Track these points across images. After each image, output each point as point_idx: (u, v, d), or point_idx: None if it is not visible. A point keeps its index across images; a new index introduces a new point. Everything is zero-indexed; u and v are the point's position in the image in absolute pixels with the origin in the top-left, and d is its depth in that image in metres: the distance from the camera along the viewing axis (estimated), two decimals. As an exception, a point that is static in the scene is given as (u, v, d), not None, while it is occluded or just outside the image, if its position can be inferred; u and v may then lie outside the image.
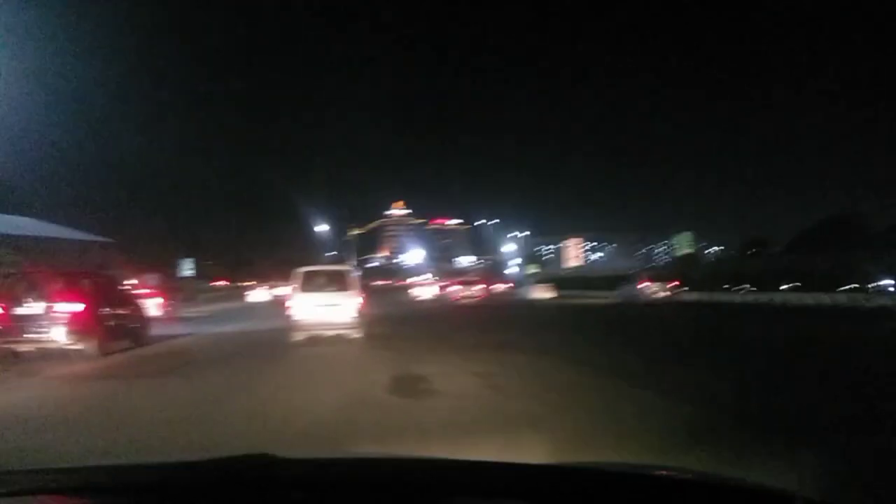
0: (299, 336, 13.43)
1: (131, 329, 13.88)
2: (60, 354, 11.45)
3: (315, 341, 13.43)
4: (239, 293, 45.91)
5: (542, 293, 40.55)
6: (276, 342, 14.38)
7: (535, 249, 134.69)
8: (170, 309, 28.38)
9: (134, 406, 7.63)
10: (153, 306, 27.18)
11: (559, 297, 41.03)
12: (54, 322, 11.33)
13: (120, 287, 14.82)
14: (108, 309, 12.66)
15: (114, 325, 12.81)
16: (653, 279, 31.35)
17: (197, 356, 13.20)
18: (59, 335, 11.31)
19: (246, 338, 17.27)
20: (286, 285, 47.18)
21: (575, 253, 56.97)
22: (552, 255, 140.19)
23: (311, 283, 13.77)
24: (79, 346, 11.52)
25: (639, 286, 30.40)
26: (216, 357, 12.69)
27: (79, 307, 11.58)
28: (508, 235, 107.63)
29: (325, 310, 13.42)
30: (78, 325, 11.45)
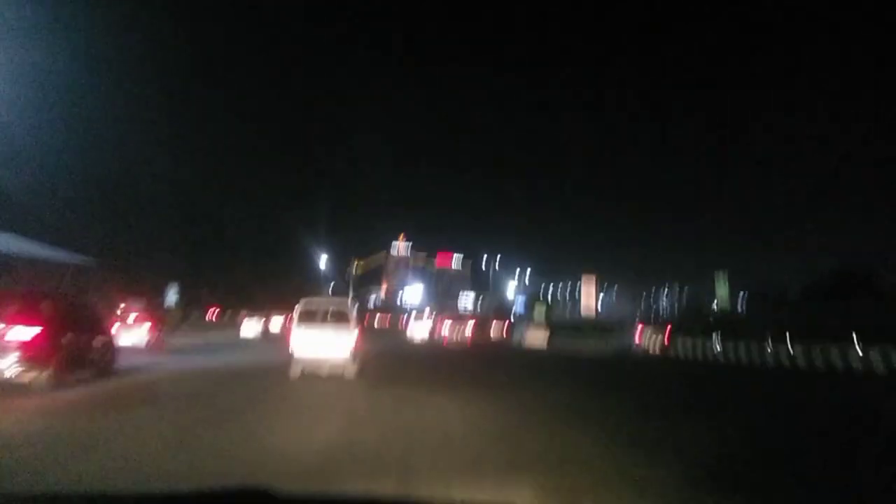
0: (295, 368, 13.52)
1: (95, 359, 12.64)
2: (7, 386, 10.19)
3: (308, 376, 13.56)
4: (233, 323, 44.66)
5: (537, 335, 38.89)
6: (260, 378, 13.89)
7: (541, 289, 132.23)
8: (158, 337, 27.15)
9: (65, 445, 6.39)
10: (142, 334, 26.11)
11: (554, 340, 40.11)
12: (2, 350, 10.09)
13: (85, 312, 13.59)
14: (67, 336, 11.42)
15: (73, 355, 11.56)
16: (647, 326, 31.39)
17: (166, 391, 11.99)
18: (6, 364, 10.06)
19: (228, 371, 16.11)
20: (281, 317, 46.22)
21: (589, 292, 53.37)
22: (558, 295, 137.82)
23: (309, 317, 13.83)
24: (29, 377, 10.28)
25: (634, 334, 30.02)
26: (187, 393, 11.50)
27: (30, 333, 10.36)
28: (514, 274, 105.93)
29: (321, 344, 13.48)
30: (28, 354, 10.24)
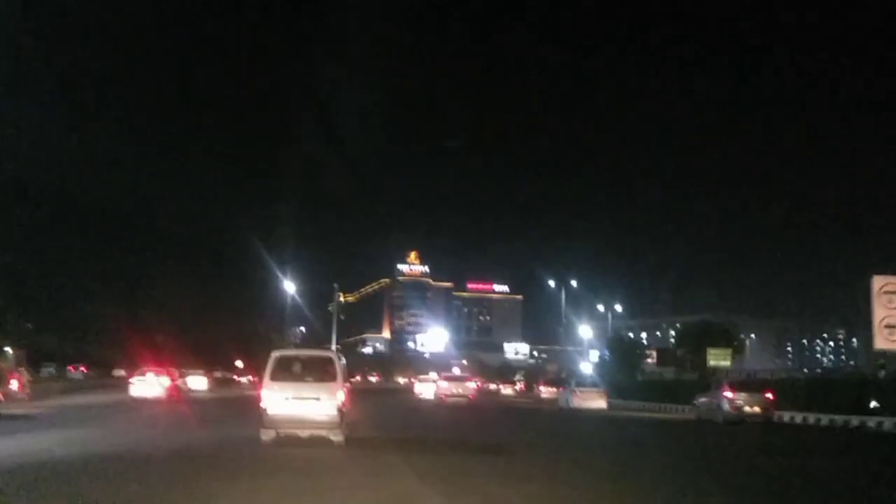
0: (268, 432, 11.81)
1: None
2: None
3: (286, 442, 11.97)
4: (116, 383, 35.20)
5: (592, 402, 33.23)
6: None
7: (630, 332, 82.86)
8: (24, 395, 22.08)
9: None
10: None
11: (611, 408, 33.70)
12: None
13: None
14: None
15: None
16: (737, 389, 25.82)
17: None
18: None
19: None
20: (201, 375, 37.28)
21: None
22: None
23: (284, 371, 12.20)
24: None
25: (721, 397, 25.35)
26: None
27: None
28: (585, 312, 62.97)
29: (299, 404, 11.76)
30: None
